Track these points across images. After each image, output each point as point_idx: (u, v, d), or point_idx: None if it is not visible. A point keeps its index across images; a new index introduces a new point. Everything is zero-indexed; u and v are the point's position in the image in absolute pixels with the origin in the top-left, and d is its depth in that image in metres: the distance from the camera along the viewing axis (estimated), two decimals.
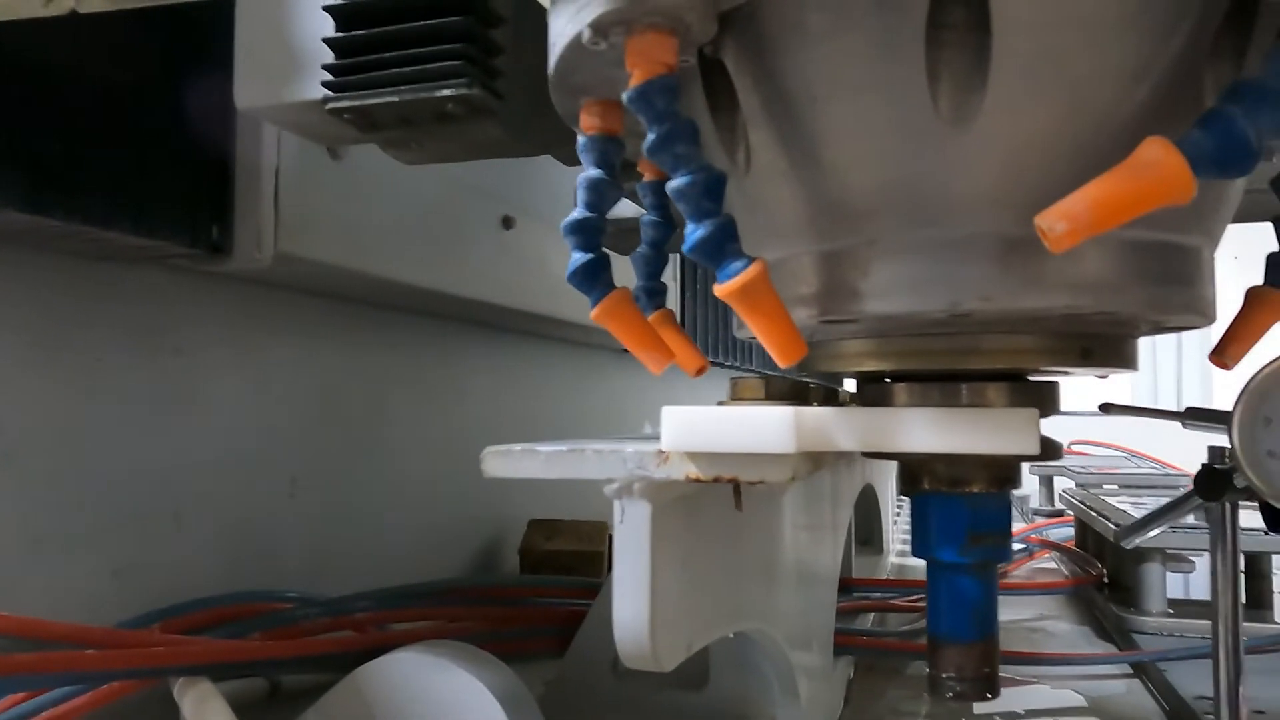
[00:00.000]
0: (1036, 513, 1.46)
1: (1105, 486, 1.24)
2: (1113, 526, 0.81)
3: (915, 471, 0.32)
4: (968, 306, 0.26)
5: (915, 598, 0.85)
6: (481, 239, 0.77)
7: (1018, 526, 1.28)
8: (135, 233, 0.47)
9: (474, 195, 0.75)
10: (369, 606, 0.55)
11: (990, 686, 0.31)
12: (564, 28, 0.28)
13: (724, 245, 0.26)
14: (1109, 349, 0.29)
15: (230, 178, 0.54)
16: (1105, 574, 0.95)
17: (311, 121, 0.45)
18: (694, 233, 0.26)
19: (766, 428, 0.27)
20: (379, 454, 0.77)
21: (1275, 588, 0.88)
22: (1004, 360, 0.28)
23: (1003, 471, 0.31)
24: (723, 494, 0.38)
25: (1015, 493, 1.19)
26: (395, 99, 0.41)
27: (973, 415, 0.28)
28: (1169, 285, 0.27)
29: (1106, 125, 0.25)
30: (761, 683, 0.56)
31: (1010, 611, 0.94)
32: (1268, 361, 0.33)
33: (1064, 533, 1.20)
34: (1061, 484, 1.43)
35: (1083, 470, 1.37)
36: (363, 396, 0.76)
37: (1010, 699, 0.67)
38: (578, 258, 0.32)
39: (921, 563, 0.33)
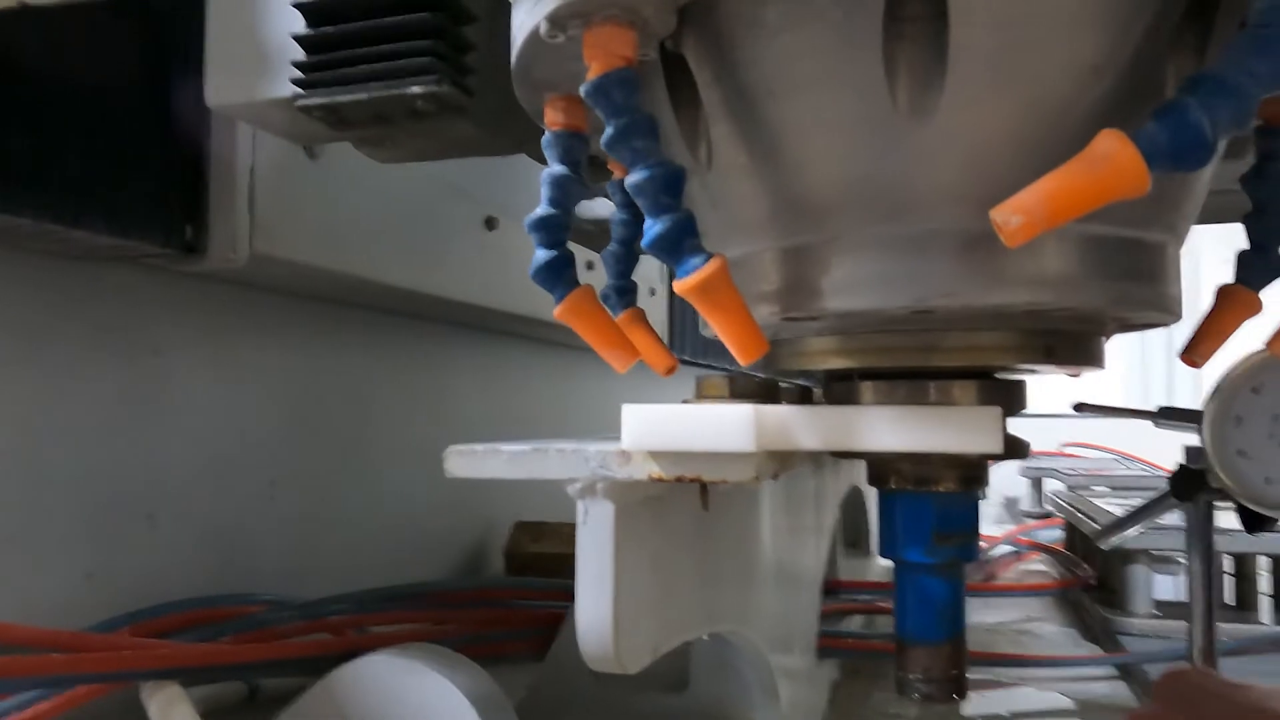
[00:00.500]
0: (1027, 515, 1.46)
1: (1095, 488, 1.23)
2: (1097, 528, 0.81)
3: (882, 470, 0.32)
4: (929, 303, 0.25)
5: None
6: (464, 240, 0.76)
7: (1008, 529, 1.28)
8: (106, 232, 0.47)
9: (456, 196, 0.75)
10: (344, 609, 0.54)
11: (958, 687, 0.31)
12: (523, 20, 0.28)
13: (682, 241, 0.26)
14: (1073, 346, 0.29)
15: (205, 177, 0.53)
16: (1093, 576, 0.95)
17: (282, 119, 0.44)
18: (652, 228, 0.26)
19: (726, 426, 0.27)
20: (362, 456, 0.77)
21: (1263, 589, 0.88)
22: (967, 358, 0.28)
23: (969, 470, 0.31)
24: (694, 494, 0.37)
25: (1007, 495, 1.19)
26: (364, 96, 0.41)
27: (935, 413, 0.27)
28: (1132, 281, 0.26)
29: (1067, 119, 0.24)
30: (741, 685, 0.56)
31: (998, 613, 0.94)
32: (1238, 360, 0.33)
33: (1054, 535, 1.20)
34: (1052, 486, 1.43)
35: (1073, 472, 1.37)
36: (345, 398, 0.75)
37: (995, 701, 0.67)
38: (541, 255, 0.32)
39: None
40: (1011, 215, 0.21)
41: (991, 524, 1.55)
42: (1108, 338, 0.33)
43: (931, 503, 0.31)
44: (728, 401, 0.30)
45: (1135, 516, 0.46)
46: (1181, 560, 0.89)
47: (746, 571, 0.47)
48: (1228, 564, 0.87)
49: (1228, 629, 0.78)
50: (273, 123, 0.45)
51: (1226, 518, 0.54)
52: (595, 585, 0.30)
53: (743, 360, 0.26)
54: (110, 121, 0.49)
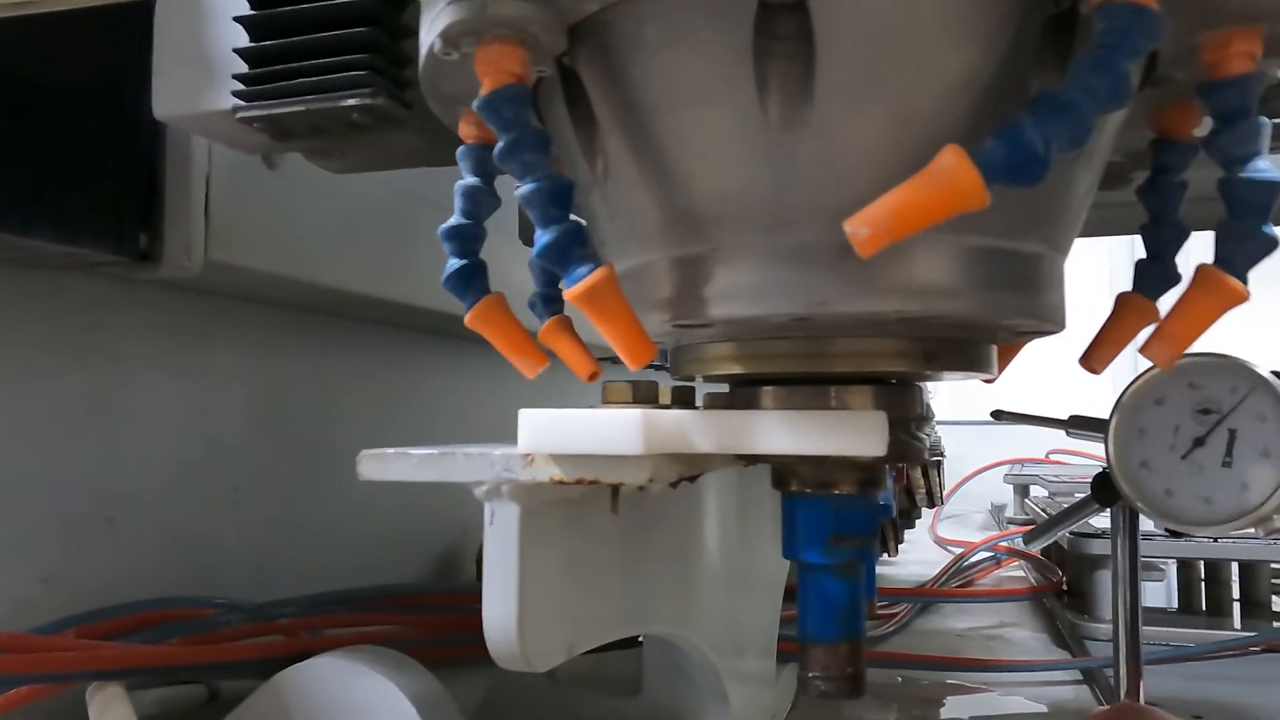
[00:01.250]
0: (1010, 521, 1.47)
1: (1077, 495, 1.24)
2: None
3: (783, 473, 0.33)
4: (805, 311, 0.26)
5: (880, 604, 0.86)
6: (430, 246, 0.76)
7: (989, 534, 1.28)
8: (56, 240, 0.47)
9: (422, 202, 0.76)
10: (294, 612, 0.55)
11: (855, 687, 0.31)
12: (425, 37, 0.29)
13: (569, 251, 0.27)
14: (955, 353, 0.29)
15: (160, 184, 0.54)
16: (1064, 581, 0.96)
17: (228, 130, 0.45)
18: (541, 238, 0.27)
19: (615, 430, 0.28)
20: (330, 461, 0.77)
21: (1233, 594, 0.89)
22: (853, 363, 0.29)
23: (867, 474, 0.32)
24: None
25: (992, 501, 1.18)
26: (302, 108, 0.42)
27: (820, 417, 0.28)
28: (1005, 291, 0.27)
29: (933, 133, 0.25)
30: (693, 689, 0.56)
31: (972, 619, 0.94)
32: (1140, 373, 0.33)
33: None
34: (1038, 492, 1.43)
35: (1056, 479, 1.37)
36: (312, 403, 0.76)
37: (958, 706, 0.67)
38: (453, 263, 0.32)
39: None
40: (860, 227, 0.21)
41: (977, 530, 1.56)
42: (1014, 348, 0.34)
43: (829, 505, 0.32)
44: (629, 406, 0.31)
45: (1059, 520, 0.47)
46: (1161, 567, 0.89)
47: (685, 574, 0.47)
48: (1201, 570, 0.88)
49: (1200, 634, 0.79)
50: (219, 133, 0.46)
51: None
52: (501, 585, 0.31)
53: (631, 365, 0.27)
54: (62, 128, 0.49)
